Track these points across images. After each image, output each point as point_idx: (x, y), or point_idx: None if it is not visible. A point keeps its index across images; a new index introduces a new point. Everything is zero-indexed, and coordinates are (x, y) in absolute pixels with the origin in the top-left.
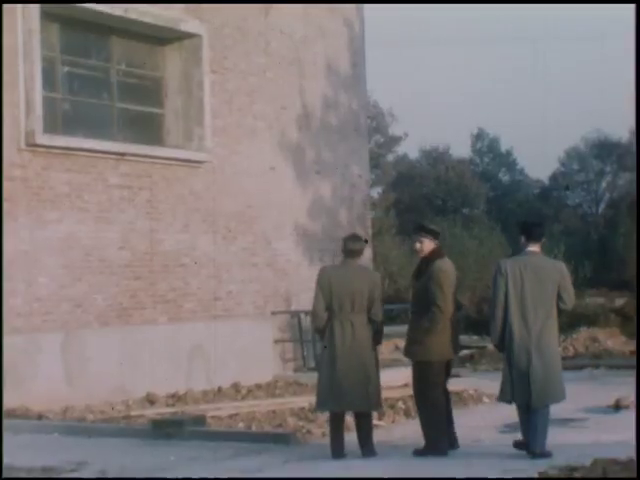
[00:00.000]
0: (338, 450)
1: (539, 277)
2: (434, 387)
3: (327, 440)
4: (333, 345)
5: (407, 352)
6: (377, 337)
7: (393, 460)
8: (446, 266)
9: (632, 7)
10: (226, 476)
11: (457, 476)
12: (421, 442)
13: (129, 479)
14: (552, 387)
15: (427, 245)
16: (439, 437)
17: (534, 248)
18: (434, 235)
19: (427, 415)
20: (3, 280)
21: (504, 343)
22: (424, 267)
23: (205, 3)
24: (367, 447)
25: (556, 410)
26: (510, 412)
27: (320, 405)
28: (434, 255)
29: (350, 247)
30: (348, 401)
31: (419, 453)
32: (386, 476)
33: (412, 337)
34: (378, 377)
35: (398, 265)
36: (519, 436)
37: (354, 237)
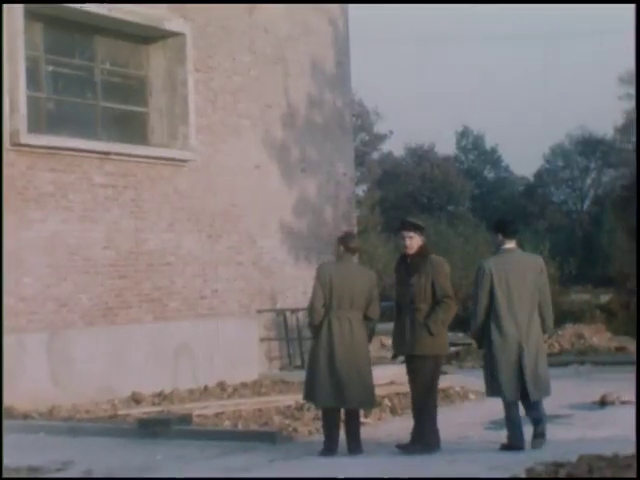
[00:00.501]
0: (334, 446)
1: (522, 272)
2: (438, 382)
3: (313, 438)
4: (331, 342)
5: (417, 347)
6: (370, 335)
7: (380, 457)
8: (443, 260)
9: (632, 7)
10: (213, 475)
11: (443, 473)
12: (406, 439)
13: (118, 479)
14: (543, 380)
15: (416, 241)
16: (434, 433)
17: (511, 245)
18: (421, 230)
19: (431, 410)
20: (3, 281)
21: (482, 339)
22: (416, 263)
23: (189, 2)
24: (354, 444)
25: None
26: (496, 409)
27: (320, 401)
28: (425, 250)
29: (351, 245)
30: (348, 397)
31: (407, 450)
32: (373, 474)
33: (420, 332)
34: (372, 374)
35: (383, 263)
36: (504, 434)
37: (352, 235)
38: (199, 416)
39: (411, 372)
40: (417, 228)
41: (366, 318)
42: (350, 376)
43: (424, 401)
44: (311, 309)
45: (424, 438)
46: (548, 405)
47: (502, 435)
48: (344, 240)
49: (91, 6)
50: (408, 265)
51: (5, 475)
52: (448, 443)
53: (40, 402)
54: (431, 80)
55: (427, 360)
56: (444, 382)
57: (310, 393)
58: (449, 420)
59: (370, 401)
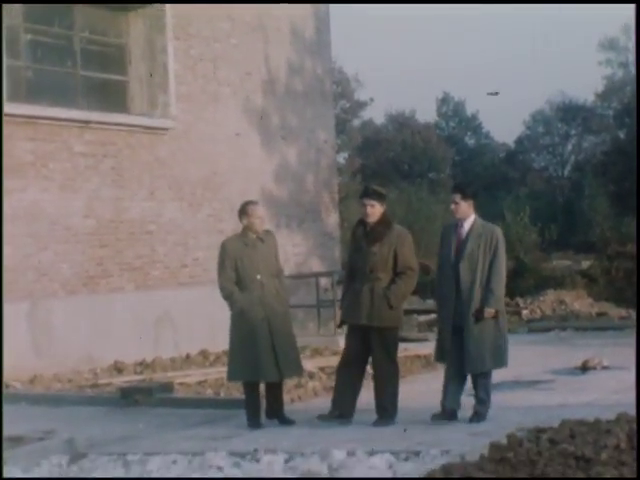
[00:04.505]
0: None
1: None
2: (396, 352)
3: (296, 406)
4: None
5: (375, 318)
6: None
7: (357, 426)
8: (407, 231)
9: (632, 7)
10: (195, 442)
11: (426, 440)
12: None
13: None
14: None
15: (377, 209)
16: (396, 404)
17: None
18: (383, 199)
19: (394, 382)
20: (3, 282)
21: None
22: (379, 231)
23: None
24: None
25: (523, 372)
26: None
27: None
28: (388, 219)
29: None
30: None
31: (381, 423)
32: (358, 441)
33: (379, 303)
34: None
35: None
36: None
37: None
38: (181, 384)
39: (363, 342)
40: (379, 196)
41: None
42: None
43: (384, 373)
44: None
45: (392, 408)
46: (530, 371)
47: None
48: None
49: None
50: (368, 233)
51: None
52: (429, 410)
53: (21, 372)
54: (411, 47)
55: (386, 332)
56: (425, 349)
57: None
58: (430, 388)
59: None
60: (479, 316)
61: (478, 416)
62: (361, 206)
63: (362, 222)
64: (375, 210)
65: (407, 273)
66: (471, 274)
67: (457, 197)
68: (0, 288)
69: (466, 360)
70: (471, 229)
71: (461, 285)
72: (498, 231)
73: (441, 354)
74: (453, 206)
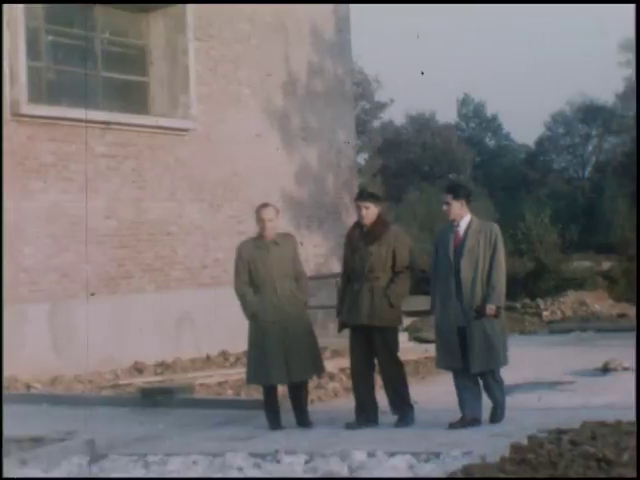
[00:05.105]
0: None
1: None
2: (398, 351)
3: (315, 407)
4: None
5: (376, 318)
6: None
7: (383, 428)
8: (404, 232)
9: (632, 7)
10: (215, 443)
11: (445, 441)
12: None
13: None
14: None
15: (372, 211)
16: (410, 401)
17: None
18: (378, 201)
19: (402, 379)
20: (3, 283)
21: None
22: (376, 232)
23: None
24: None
25: (544, 373)
26: None
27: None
28: (384, 220)
29: None
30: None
31: (402, 424)
32: (379, 444)
33: (380, 302)
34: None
35: None
36: (506, 401)
37: None
38: (201, 385)
39: (366, 343)
40: (374, 198)
41: None
42: None
43: (391, 373)
44: None
45: (407, 403)
46: (551, 371)
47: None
48: None
49: None
50: (366, 234)
51: (6, 446)
52: (448, 411)
53: (42, 372)
54: (431, 48)
55: (387, 332)
56: None
57: None
58: (449, 388)
59: None
60: (482, 313)
61: (497, 416)
62: (356, 208)
63: (358, 225)
64: (370, 212)
65: (405, 272)
66: (472, 270)
67: (449, 198)
68: (0, 288)
69: (472, 359)
70: (469, 227)
71: (462, 283)
72: (496, 228)
73: (444, 359)
74: (445, 207)
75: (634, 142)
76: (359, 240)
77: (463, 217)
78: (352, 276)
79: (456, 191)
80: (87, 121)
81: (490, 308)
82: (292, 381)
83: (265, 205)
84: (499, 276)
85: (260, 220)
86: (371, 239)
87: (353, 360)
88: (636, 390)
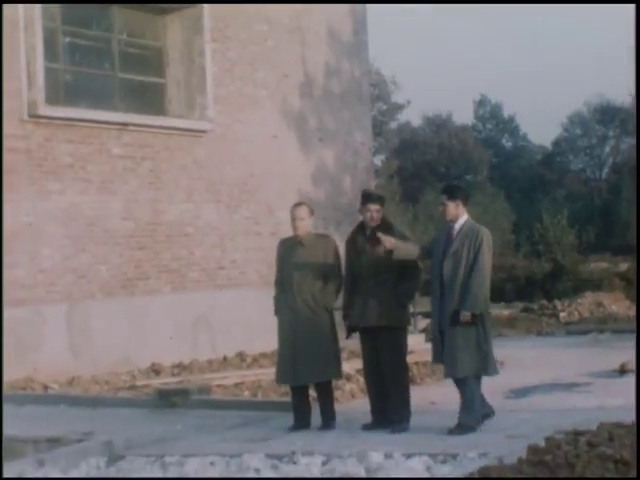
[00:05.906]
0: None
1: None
2: (406, 354)
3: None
4: None
5: (385, 318)
6: None
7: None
8: (406, 231)
9: (632, 7)
10: (233, 444)
11: (463, 442)
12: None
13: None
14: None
15: (380, 213)
16: (409, 406)
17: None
18: (384, 202)
19: (406, 383)
20: (3, 283)
21: None
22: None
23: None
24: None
25: (561, 375)
26: (514, 378)
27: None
28: (388, 221)
29: None
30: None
31: (398, 429)
32: (391, 448)
33: (390, 303)
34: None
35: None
36: (523, 402)
37: None
38: (218, 386)
39: (376, 345)
40: (382, 200)
41: None
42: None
43: (398, 374)
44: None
45: (407, 409)
46: (569, 373)
47: (522, 404)
48: None
49: None
50: (371, 235)
51: (24, 447)
52: None
53: (60, 373)
54: (448, 49)
55: (395, 333)
56: None
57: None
58: None
59: None
60: (455, 319)
61: (459, 427)
62: (365, 211)
63: (361, 227)
64: (380, 214)
65: (414, 272)
66: (453, 272)
67: (444, 198)
68: (0, 288)
69: (444, 364)
70: (460, 229)
71: (444, 285)
72: (484, 231)
73: (435, 356)
74: (441, 208)
75: None
76: (364, 242)
77: (459, 218)
78: (359, 279)
79: (451, 192)
80: (104, 122)
81: (464, 315)
82: (297, 383)
83: (298, 204)
84: (479, 282)
85: (292, 219)
86: (377, 240)
87: (365, 363)
88: (636, 390)
